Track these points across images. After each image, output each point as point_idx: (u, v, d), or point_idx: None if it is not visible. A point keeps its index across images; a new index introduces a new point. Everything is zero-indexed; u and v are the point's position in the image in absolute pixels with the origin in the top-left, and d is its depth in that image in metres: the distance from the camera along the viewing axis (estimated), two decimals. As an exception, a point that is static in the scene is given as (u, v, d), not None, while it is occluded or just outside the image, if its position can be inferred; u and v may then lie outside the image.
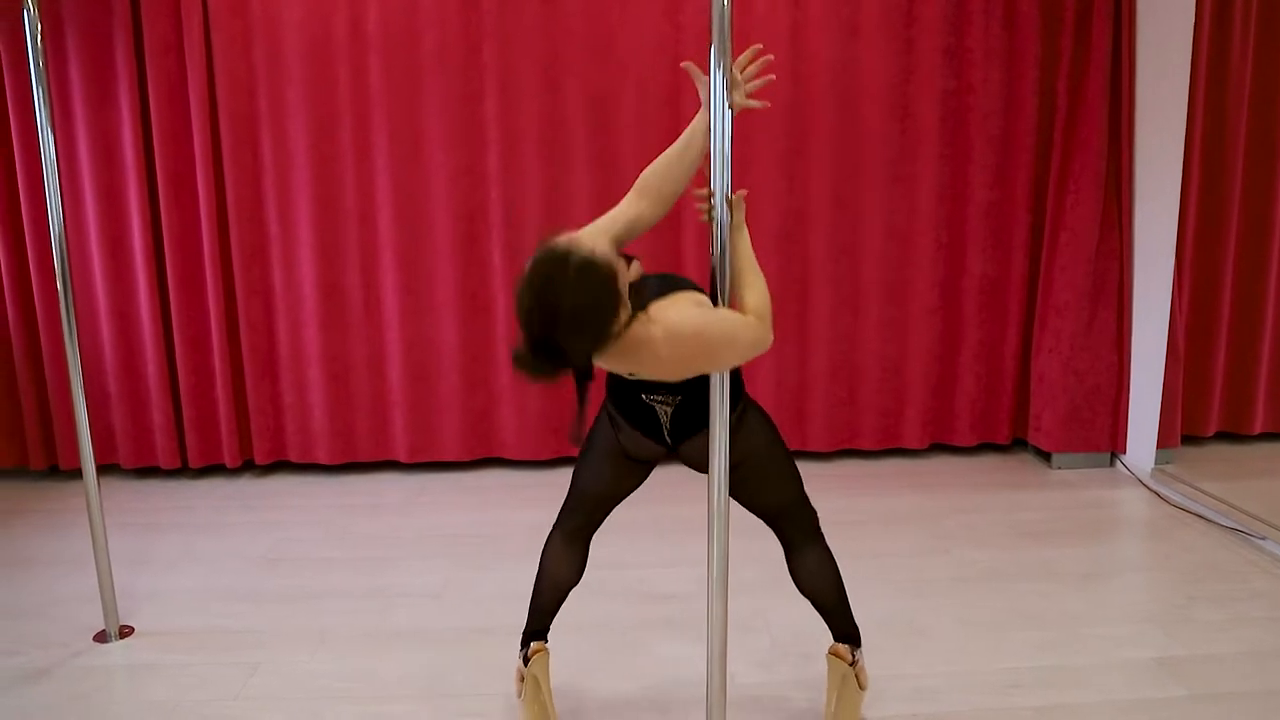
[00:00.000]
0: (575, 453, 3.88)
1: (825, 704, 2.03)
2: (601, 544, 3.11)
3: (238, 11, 3.53)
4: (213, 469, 3.97)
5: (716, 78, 1.58)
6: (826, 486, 3.77)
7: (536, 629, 2.02)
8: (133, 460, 3.83)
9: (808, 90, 3.73)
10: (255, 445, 3.83)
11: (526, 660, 1.98)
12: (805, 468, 4.00)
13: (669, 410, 1.77)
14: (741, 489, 1.87)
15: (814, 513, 1.98)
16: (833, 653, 2.00)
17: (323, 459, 3.86)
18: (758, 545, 2.95)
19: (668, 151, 1.78)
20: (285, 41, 3.55)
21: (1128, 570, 2.95)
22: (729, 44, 1.57)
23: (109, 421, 3.83)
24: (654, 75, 3.67)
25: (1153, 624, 2.59)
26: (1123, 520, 3.40)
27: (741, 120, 3.71)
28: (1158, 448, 3.84)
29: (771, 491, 1.88)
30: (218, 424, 3.82)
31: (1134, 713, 2.14)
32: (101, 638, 2.52)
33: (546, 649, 2.00)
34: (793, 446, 4.02)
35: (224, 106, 3.57)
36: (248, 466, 3.99)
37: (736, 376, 1.76)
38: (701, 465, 1.83)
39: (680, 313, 1.59)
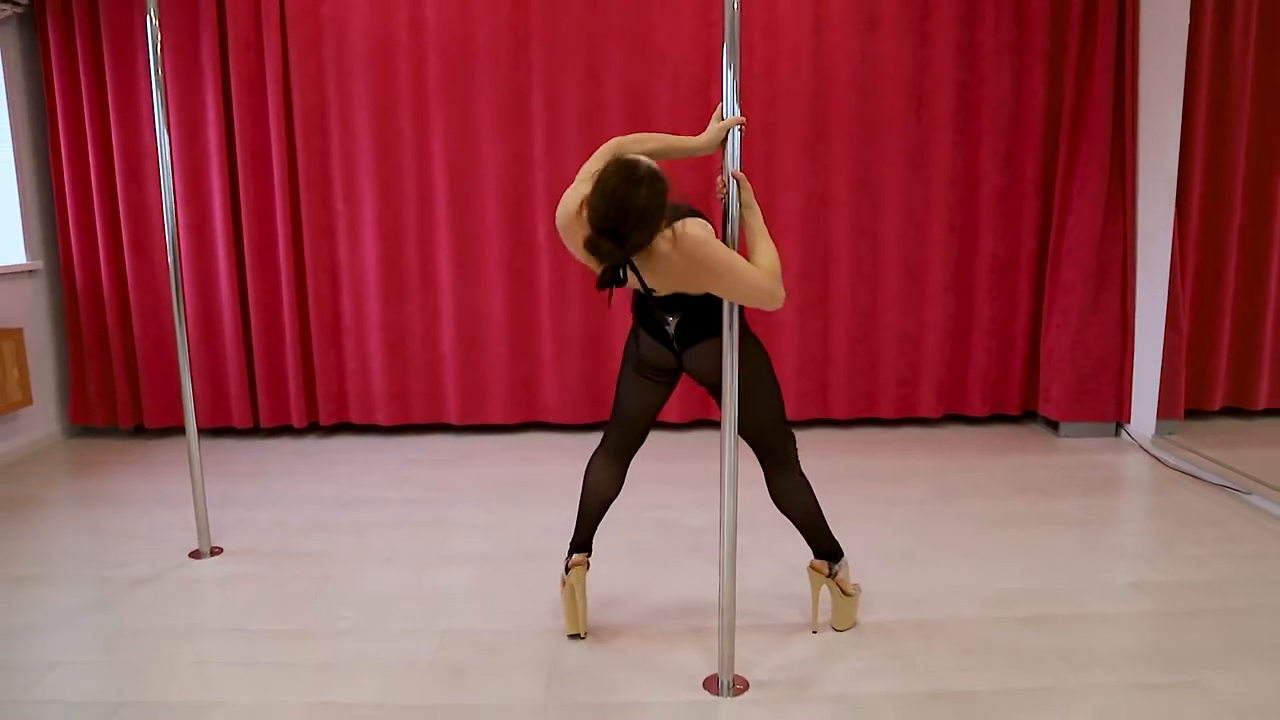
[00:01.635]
0: (607, 417, 4.20)
1: (811, 612, 2.34)
2: (634, 490, 3.43)
3: (310, 13, 3.91)
4: (281, 429, 4.35)
5: (728, 77, 1.89)
6: (846, 450, 4.05)
7: (579, 541, 2.34)
8: (208, 420, 4.21)
9: (830, 81, 4.02)
10: (320, 408, 4.19)
11: (568, 569, 2.30)
12: (826, 434, 4.29)
13: (674, 324, 2.09)
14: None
15: (793, 444, 2.26)
16: (811, 567, 2.32)
17: (381, 420, 4.22)
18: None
19: (656, 136, 2.07)
20: (352, 40, 3.92)
21: (1119, 519, 3.21)
22: (738, 44, 1.88)
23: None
24: (687, 68, 3.98)
25: (1135, 557, 2.84)
26: (1121, 480, 3.65)
27: (769, 109, 4.01)
28: (1159, 418, 4.08)
29: (752, 412, 2.17)
30: (286, 388, 4.19)
31: (1105, 621, 2.41)
32: (196, 555, 2.88)
33: (587, 561, 2.31)
34: (814, 414, 4.31)
35: (297, 98, 3.95)
36: (313, 428, 4.36)
37: (740, 313, 2.06)
38: (700, 374, 2.16)
39: (695, 230, 1.91)
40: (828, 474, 3.70)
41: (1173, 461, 3.87)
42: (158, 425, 4.22)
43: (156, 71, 2.64)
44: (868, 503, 3.34)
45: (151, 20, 2.62)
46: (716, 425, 4.37)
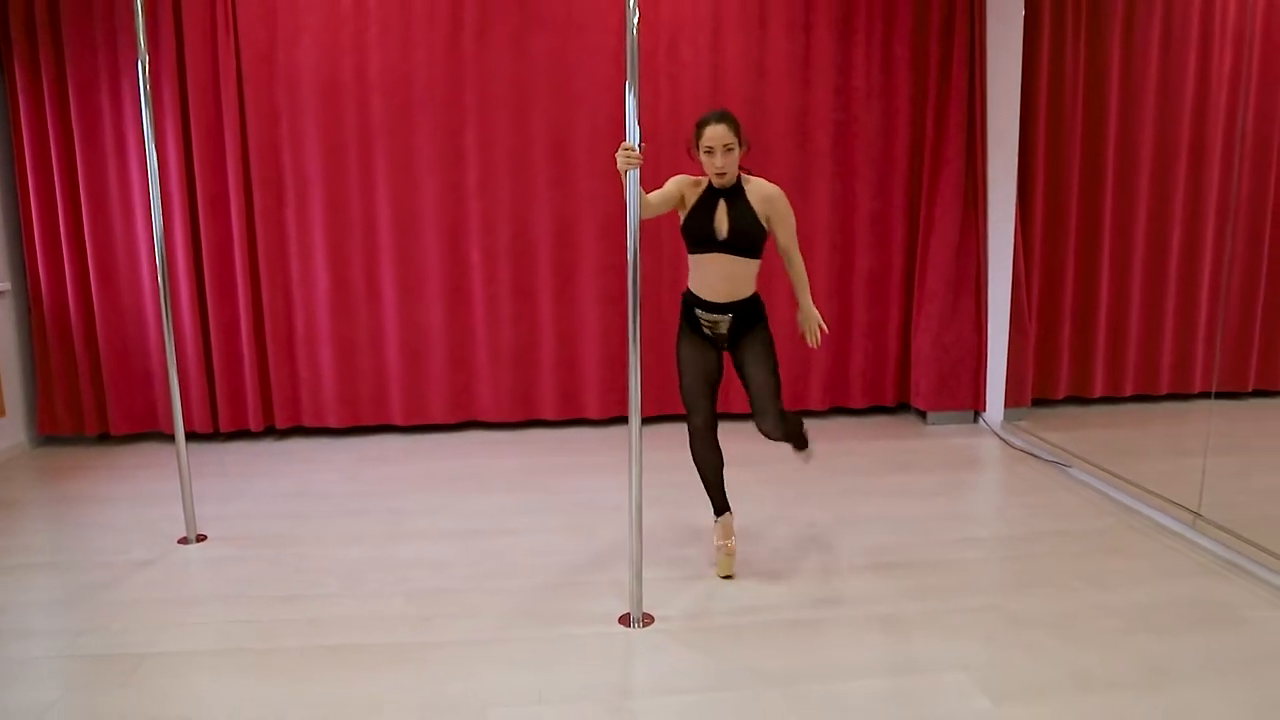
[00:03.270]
0: (537, 416, 4.77)
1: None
2: (563, 479, 3.98)
3: (265, 59, 4.36)
4: (239, 433, 4.78)
5: (630, 101, 2.46)
6: (742, 440, 4.67)
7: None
8: (172, 427, 4.61)
9: (725, 121, 4.64)
10: (276, 413, 4.65)
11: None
12: (727, 426, 4.89)
13: (727, 323, 2.85)
14: (748, 363, 2.89)
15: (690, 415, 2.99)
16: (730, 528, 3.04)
17: (333, 423, 4.69)
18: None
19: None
20: (303, 83, 4.39)
21: (965, 490, 3.90)
22: (637, 75, 2.46)
23: (151, 396, 4.62)
24: (603, 109, 4.56)
25: (971, 519, 3.53)
26: (973, 459, 4.36)
27: (673, 146, 4.60)
28: (1008, 406, 4.82)
29: (761, 373, 2.88)
30: (245, 395, 4.63)
31: (937, 565, 3.07)
32: (184, 541, 3.34)
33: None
34: (717, 410, 4.92)
35: (253, 136, 4.40)
36: (269, 431, 4.80)
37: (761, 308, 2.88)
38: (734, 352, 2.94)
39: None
40: (728, 460, 4.30)
41: (1017, 443, 4.60)
42: (123, 432, 4.61)
43: (148, 113, 3.10)
44: (760, 483, 3.96)
45: (142, 69, 3.08)
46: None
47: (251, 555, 3.22)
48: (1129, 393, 5.13)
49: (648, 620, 2.69)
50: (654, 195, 2.76)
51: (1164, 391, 5.13)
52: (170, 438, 4.73)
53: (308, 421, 4.70)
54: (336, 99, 4.43)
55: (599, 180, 4.60)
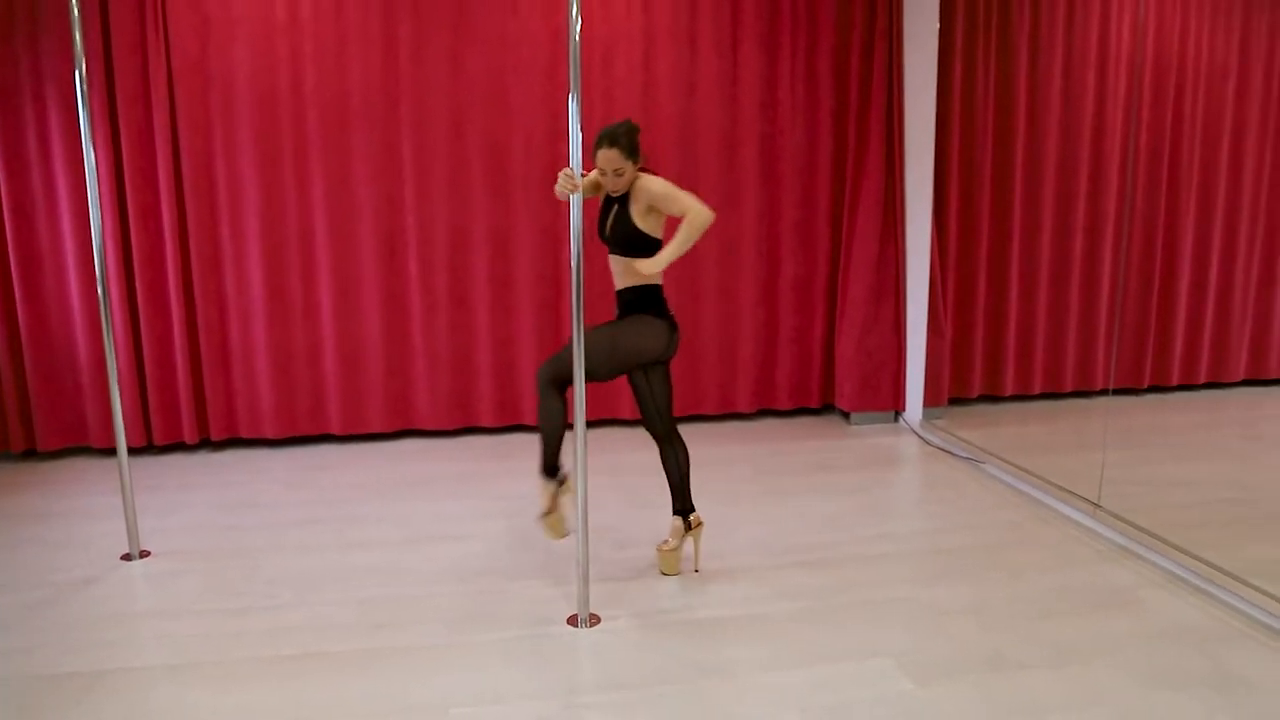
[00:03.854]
0: (476, 422, 4.87)
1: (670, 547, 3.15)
2: (495, 484, 4.08)
3: (197, 70, 4.35)
4: (173, 446, 4.74)
5: (572, 105, 2.58)
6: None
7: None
8: (103, 441, 4.57)
9: (659, 135, 4.80)
10: (211, 425, 4.63)
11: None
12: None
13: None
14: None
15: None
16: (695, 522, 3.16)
17: (269, 434, 4.70)
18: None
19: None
20: (237, 95, 4.39)
21: (885, 487, 4.13)
22: (580, 81, 2.59)
23: (81, 409, 4.56)
24: (537, 124, 4.67)
25: (889, 515, 3.76)
26: (894, 457, 4.60)
27: (606, 158, 4.74)
28: (926, 406, 5.09)
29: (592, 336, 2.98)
30: (178, 408, 4.60)
31: (856, 560, 3.28)
32: (127, 558, 3.34)
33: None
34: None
35: (185, 146, 4.38)
36: (204, 443, 4.78)
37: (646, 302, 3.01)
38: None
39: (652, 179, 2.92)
40: (658, 464, 4.45)
41: (935, 441, 4.87)
42: (51, 447, 4.53)
43: (85, 119, 3.10)
44: (695, 485, 4.13)
45: (79, 76, 3.09)
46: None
47: (199, 569, 3.25)
48: (1037, 391, 5.48)
49: (595, 620, 2.82)
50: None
51: (1069, 389, 5.50)
52: (100, 452, 4.68)
53: (244, 433, 4.70)
54: (271, 110, 4.44)
55: (534, 191, 4.71)
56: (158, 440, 4.59)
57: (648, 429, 3.14)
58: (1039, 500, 3.93)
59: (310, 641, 2.71)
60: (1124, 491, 3.64)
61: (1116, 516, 3.50)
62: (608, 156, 2.87)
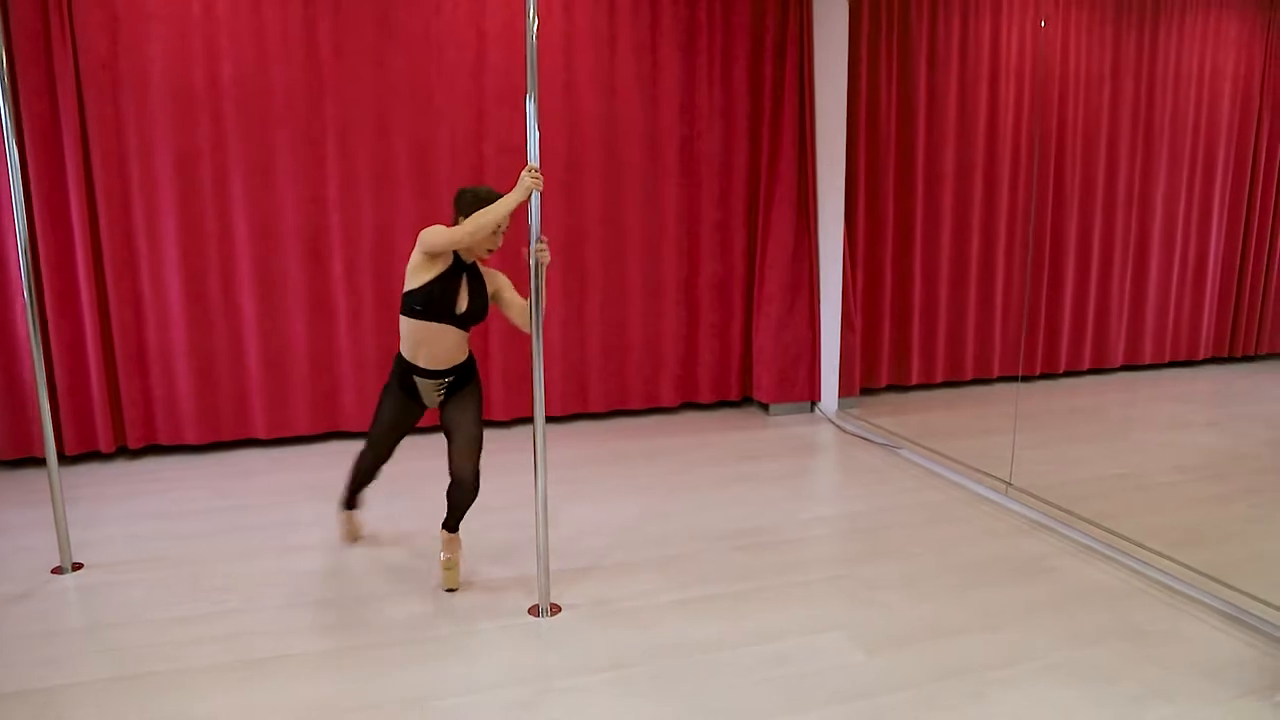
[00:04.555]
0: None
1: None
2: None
3: (106, 64, 4.20)
4: (87, 455, 4.55)
5: (530, 107, 2.66)
6: (603, 438, 4.95)
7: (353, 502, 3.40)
8: (10, 452, 4.36)
9: (580, 137, 4.89)
10: (128, 432, 4.48)
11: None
12: (585, 426, 5.17)
13: (446, 386, 2.99)
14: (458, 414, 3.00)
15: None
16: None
17: (191, 440, 4.57)
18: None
19: (492, 209, 2.74)
20: (151, 92, 4.26)
21: (808, 473, 4.34)
22: (537, 83, 2.67)
23: (-17, 419, 4.34)
24: (462, 124, 4.69)
25: (816, 499, 3.96)
26: (813, 445, 4.82)
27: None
28: (841, 396, 5.34)
29: (470, 422, 3.01)
30: (92, 415, 4.43)
31: (793, 543, 3.46)
32: (59, 571, 3.23)
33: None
34: (574, 409, 5.20)
35: (95, 144, 4.22)
36: (121, 451, 4.61)
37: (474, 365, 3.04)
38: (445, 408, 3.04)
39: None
40: (591, 458, 4.57)
41: (851, 429, 5.12)
42: (-50, 460, 4.30)
43: (8, 114, 2.98)
44: (626, 477, 4.25)
45: (4, 71, 2.97)
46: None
47: (138, 579, 3.17)
48: (939, 379, 5.81)
49: (555, 609, 2.90)
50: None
51: (969, 377, 5.86)
52: (7, 464, 4.45)
53: (164, 439, 4.56)
54: (187, 108, 4.33)
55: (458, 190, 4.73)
56: (69, 450, 4.41)
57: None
58: (954, 481, 4.21)
59: (271, 645, 2.70)
60: (1032, 470, 3.95)
61: (1027, 493, 3.79)
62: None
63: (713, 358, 5.39)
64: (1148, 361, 5.75)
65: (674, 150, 5.07)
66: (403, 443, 4.72)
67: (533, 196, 2.72)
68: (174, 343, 4.48)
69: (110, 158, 4.27)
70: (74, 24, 4.12)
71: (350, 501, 3.42)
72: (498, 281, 3.00)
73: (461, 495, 3.01)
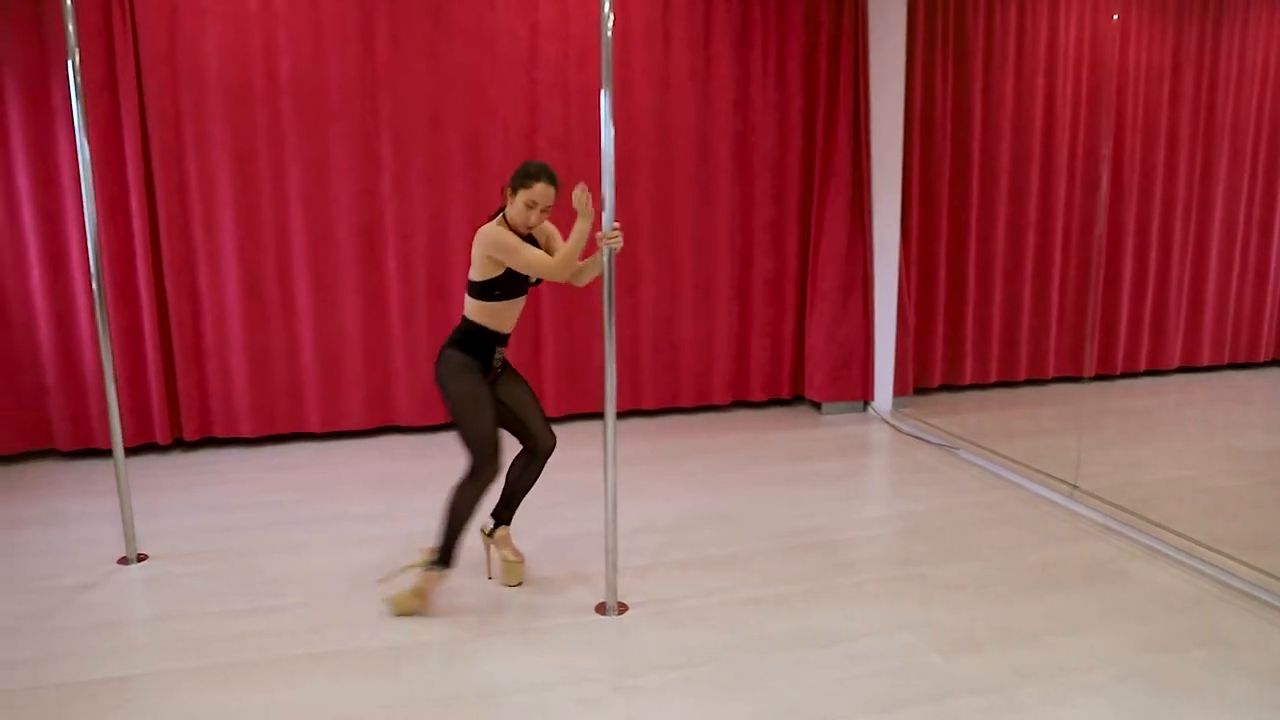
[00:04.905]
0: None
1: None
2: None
3: (166, 58, 4.22)
4: (143, 448, 4.59)
5: (605, 101, 2.63)
6: (656, 435, 4.91)
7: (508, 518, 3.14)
8: (70, 443, 4.40)
9: (634, 130, 4.85)
10: (184, 424, 4.50)
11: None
12: (637, 423, 5.13)
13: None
14: (516, 385, 2.99)
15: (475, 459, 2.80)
16: (420, 548, 3.03)
17: (246, 433, 4.59)
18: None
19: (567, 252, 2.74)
20: (208, 86, 4.28)
21: (865, 473, 4.27)
22: (611, 77, 2.63)
23: (46, 412, 4.38)
24: (516, 118, 4.67)
25: (876, 499, 3.89)
26: (868, 445, 4.75)
27: (587, 156, 4.77)
28: (895, 395, 5.26)
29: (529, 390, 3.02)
30: (150, 407, 4.46)
31: (858, 542, 3.40)
32: (124, 561, 3.25)
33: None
34: (627, 406, 5.16)
35: (155, 138, 4.25)
36: (177, 443, 4.65)
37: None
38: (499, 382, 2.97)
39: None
40: (645, 455, 4.53)
41: (907, 429, 5.04)
42: (12, 451, 4.35)
43: (79, 108, 3.00)
44: (680, 474, 4.20)
45: (72, 65, 2.99)
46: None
47: (200, 570, 3.17)
48: (993, 379, 5.71)
49: (622, 608, 2.87)
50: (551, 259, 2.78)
51: (1023, 377, 5.75)
52: (65, 455, 4.50)
53: (219, 432, 4.58)
54: (245, 103, 4.35)
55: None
56: (128, 442, 4.45)
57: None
58: (1014, 483, 4.12)
59: (337, 639, 2.69)
60: (1094, 472, 3.85)
61: (1093, 495, 3.70)
62: (548, 194, 2.75)
63: (765, 356, 5.33)
64: (1206, 363, 5.61)
65: (727, 146, 5.02)
66: (447, 438, 4.77)
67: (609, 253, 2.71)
68: (230, 336, 4.50)
69: (169, 152, 4.30)
70: (135, 18, 4.16)
71: (504, 516, 3.12)
72: (551, 238, 2.97)
73: (538, 471, 3.01)
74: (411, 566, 2.95)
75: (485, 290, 2.82)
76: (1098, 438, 4.47)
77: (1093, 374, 5.50)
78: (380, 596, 2.96)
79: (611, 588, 2.84)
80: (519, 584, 3.05)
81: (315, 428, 4.69)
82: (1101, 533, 3.52)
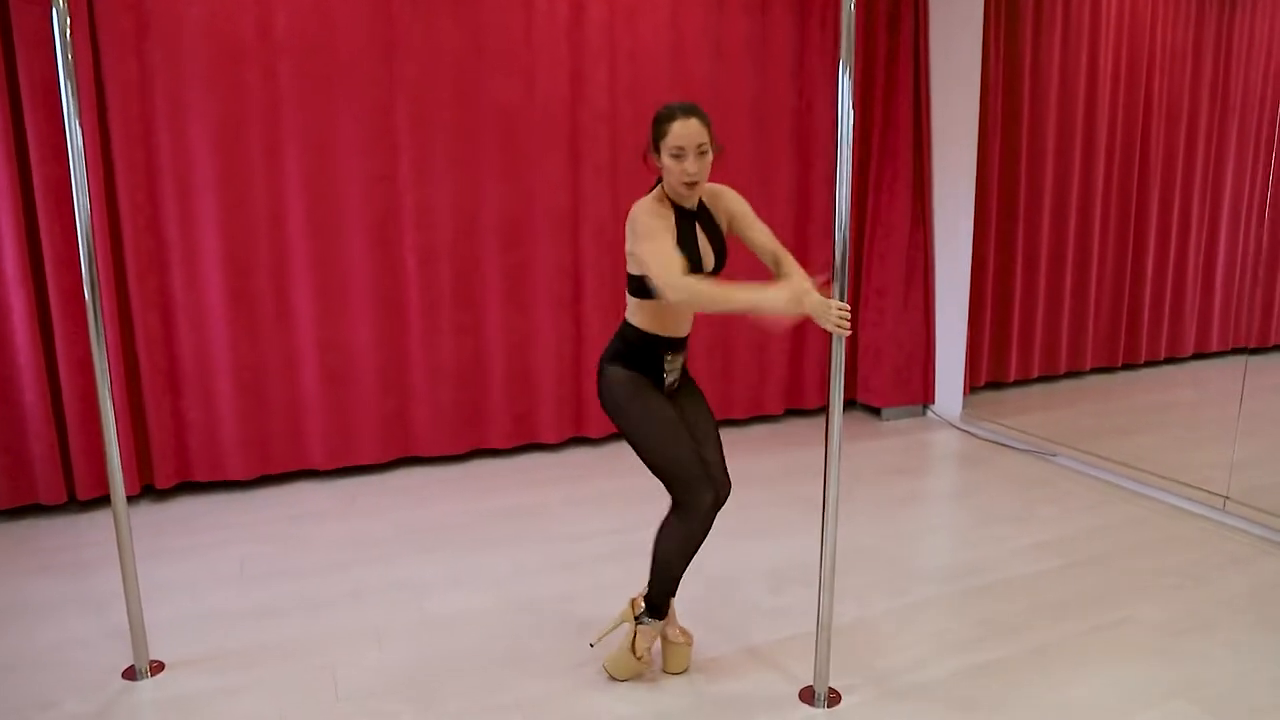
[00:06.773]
0: (486, 445, 4.12)
1: (602, 632, 2.39)
2: (605, 516, 3.39)
3: (130, 4, 3.32)
4: (101, 500, 3.65)
5: (844, 80, 2.02)
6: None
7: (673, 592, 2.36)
8: (7, 500, 3.45)
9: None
10: (156, 468, 3.61)
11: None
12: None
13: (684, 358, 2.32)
14: (696, 405, 2.37)
15: (677, 490, 2.20)
16: (632, 600, 2.35)
17: (234, 475, 3.72)
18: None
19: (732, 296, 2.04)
20: (184, 40, 3.39)
21: (978, 490, 3.77)
22: (853, 53, 2.00)
23: (-28, 458, 3.42)
24: (556, 89, 3.95)
25: (1011, 521, 3.38)
26: (952, 454, 4.27)
27: (633, 129, 4.08)
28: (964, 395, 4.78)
29: (709, 415, 2.38)
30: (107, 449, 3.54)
31: (1033, 580, 2.87)
32: (131, 674, 2.40)
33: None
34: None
35: (114, 107, 3.34)
36: (146, 491, 3.73)
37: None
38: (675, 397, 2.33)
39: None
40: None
41: (981, 434, 4.57)
42: (-68, 512, 3.37)
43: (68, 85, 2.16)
44: (774, 503, 3.59)
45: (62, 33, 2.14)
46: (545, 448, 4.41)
47: (243, 683, 2.35)
48: (1035, 374, 5.30)
49: (834, 698, 2.24)
50: (682, 270, 2.08)
51: (1063, 370, 5.36)
52: (9, 514, 3.54)
53: (200, 475, 3.70)
54: (231, 64, 3.48)
55: (551, 167, 3.99)
56: (81, 495, 3.52)
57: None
58: (1138, 492, 3.69)
59: (489, 774, 1.97)
60: (1243, 477, 3.45)
61: (1250, 505, 3.29)
62: (689, 130, 2.05)
63: (817, 357, 4.77)
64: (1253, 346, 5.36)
65: (784, 119, 4.44)
66: (476, 469, 3.96)
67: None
68: (212, 355, 3.62)
69: (133, 124, 3.40)
70: (83, -46, 3.24)
71: (670, 591, 2.32)
72: (729, 207, 2.29)
73: (710, 522, 2.23)
74: (621, 623, 2.33)
75: (641, 284, 2.16)
76: (1262, 442, 4.04)
77: (1142, 360, 5.16)
78: (595, 663, 2.24)
79: (822, 673, 2.21)
80: (684, 671, 2.39)
81: (320, 464, 3.86)
82: (1275, 549, 3.12)
